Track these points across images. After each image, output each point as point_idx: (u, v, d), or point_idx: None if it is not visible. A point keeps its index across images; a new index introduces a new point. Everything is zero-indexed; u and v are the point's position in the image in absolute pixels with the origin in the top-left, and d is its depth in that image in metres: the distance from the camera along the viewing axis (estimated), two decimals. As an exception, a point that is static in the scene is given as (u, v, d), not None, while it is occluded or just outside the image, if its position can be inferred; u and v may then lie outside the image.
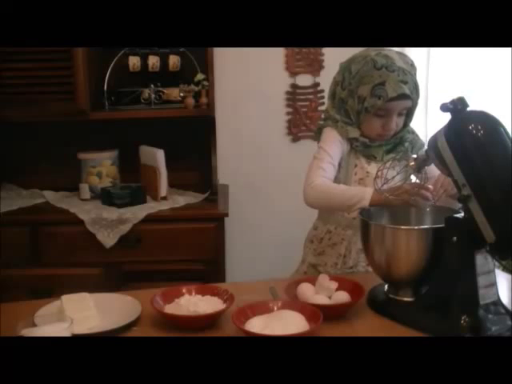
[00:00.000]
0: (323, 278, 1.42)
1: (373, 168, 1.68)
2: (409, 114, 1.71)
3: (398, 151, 1.72)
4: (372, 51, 1.65)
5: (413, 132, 1.77)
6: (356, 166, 1.71)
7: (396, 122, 1.67)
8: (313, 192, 1.61)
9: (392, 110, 1.64)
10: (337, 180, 1.70)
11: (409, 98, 1.64)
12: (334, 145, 1.68)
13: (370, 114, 1.65)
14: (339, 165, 1.70)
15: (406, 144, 1.73)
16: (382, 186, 1.48)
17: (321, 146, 1.70)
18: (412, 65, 1.67)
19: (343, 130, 1.69)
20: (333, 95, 1.74)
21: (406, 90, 1.60)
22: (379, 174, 1.49)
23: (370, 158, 1.71)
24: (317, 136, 1.78)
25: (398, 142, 1.74)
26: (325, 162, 1.66)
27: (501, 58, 2.47)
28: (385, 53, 1.63)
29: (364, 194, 1.55)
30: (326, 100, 1.78)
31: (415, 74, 1.68)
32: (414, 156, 1.46)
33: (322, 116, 1.81)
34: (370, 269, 1.68)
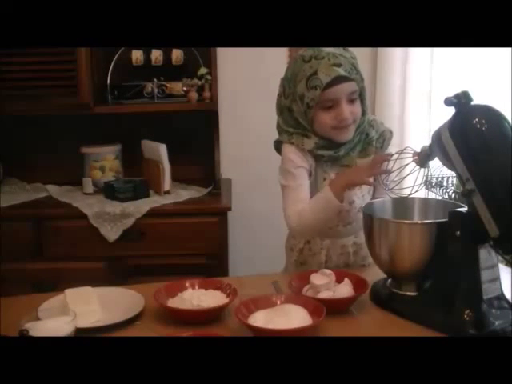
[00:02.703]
0: (314, 278, 1.40)
1: None
2: (362, 99, 1.61)
3: (370, 153, 1.64)
4: (301, 50, 1.60)
5: (372, 125, 1.66)
6: (325, 179, 1.62)
7: (350, 110, 1.56)
8: (299, 224, 1.59)
9: (337, 97, 1.54)
10: (312, 194, 1.63)
11: (349, 80, 1.54)
12: (295, 165, 1.61)
13: (318, 110, 1.56)
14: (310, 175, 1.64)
15: (374, 143, 1.65)
16: (384, 178, 1.48)
17: (284, 170, 1.63)
18: (345, 49, 1.58)
19: (299, 141, 1.61)
20: (280, 110, 1.66)
21: (341, 71, 1.51)
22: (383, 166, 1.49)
23: (343, 168, 1.62)
24: (277, 149, 1.71)
25: (365, 141, 1.64)
26: (298, 190, 1.60)
27: (501, 57, 2.48)
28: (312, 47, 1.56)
29: (326, 196, 1.52)
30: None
31: (352, 56, 1.58)
32: (418, 150, 1.46)
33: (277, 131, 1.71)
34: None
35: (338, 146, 1.62)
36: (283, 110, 1.65)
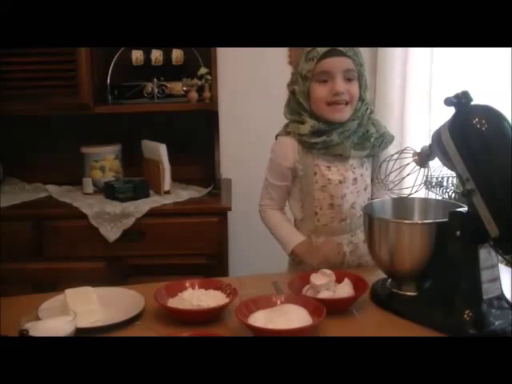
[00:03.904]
0: (314, 278, 1.41)
1: (333, 173, 1.63)
2: (360, 85, 1.63)
3: (366, 147, 1.64)
4: None
5: (374, 123, 1.67)
6: (316, 173, 1.64)
7: (346, 88, 1.59)
8: (262, 219, 1.84)
9: (331, 70, 1.58)
10: (301, 190, 1.69)
11: (345, 56, 1.57)
12: (275, 161, 1.72)
13: (314, 84, 1.60)
14: (296, 174, 1.68)
15: (372, 139, 1.64)
16: (385, 178, 1.48)
17: (269, 160, 1.76)
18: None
19: (295, 127, 1.64)
20: (288, 99, 1.70)
21: (338, 47, 1.57)
22: (383, 166, 1.49)
23: (336, 158, 1.63)
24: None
25: (363, 136, 1.65)
26: (273, 189, 1.77)
27: (501, 57, 2.49)
28: None
29: (289, 243, 1.66)
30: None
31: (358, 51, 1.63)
32: (418, 150, 1.46)
33: None
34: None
35: (332, 131, 1.62)
36: (289, 97, 1.69)
